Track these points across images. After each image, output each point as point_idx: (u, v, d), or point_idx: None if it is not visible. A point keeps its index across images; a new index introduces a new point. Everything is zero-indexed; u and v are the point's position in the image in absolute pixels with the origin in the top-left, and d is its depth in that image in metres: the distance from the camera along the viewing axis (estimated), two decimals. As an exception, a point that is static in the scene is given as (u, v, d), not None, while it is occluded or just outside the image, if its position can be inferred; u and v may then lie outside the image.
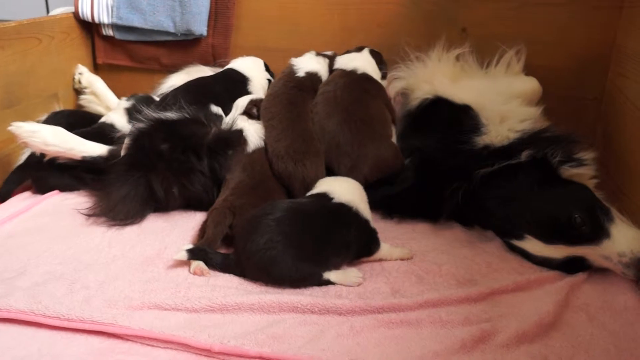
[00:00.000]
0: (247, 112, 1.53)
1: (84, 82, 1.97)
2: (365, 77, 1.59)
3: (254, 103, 1.55)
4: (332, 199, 1.25)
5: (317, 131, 1.48)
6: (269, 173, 1.42)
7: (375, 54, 1.67)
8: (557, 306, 1.08)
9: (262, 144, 1.47)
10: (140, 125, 1.44)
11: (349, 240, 1.20)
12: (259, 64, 1.79)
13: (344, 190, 1.28)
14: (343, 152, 1.43)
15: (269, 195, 1.36)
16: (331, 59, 1.68)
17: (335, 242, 1.19)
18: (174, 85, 1.77)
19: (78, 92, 2.00)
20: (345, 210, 1.23)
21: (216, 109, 1.56)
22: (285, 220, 1.16)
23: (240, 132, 1.47)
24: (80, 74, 1.98)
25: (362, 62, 1.63)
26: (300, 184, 1.39)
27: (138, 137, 1.42)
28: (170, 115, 1.46)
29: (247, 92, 1.67)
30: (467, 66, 1.66)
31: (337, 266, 1.19)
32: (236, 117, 1.52)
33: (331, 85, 1.55)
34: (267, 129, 1.48)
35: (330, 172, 1.44)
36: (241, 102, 1.56)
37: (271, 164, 1.43)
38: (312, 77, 1.61)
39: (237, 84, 1.69)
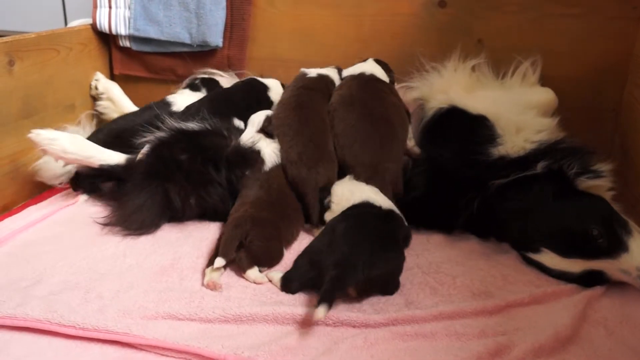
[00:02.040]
0: (264, 130, 1.52)
1: (101, 89, 1.99)
2: (375, 78, 1.62)
3: (269, 120, 1.54)
4: (380, 206, 1.30)
5: (340, 129, 1.48)
6: (285, 190, 1.42)
7: (379, 62, 1.69)
8: (574, 320, 1.06)
9: (279, 161, 1.46)
10: (161, 134, 1.45)
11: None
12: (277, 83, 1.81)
13: (379, 197, 1.34)
14: (365, 149, 1.43)
15: (285, 212, 1.36)
16: (339, 69, 1.71)
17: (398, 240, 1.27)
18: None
19: (95, 99, 2.01)
20: (395, 214, 1.32)
21: (238, 123, 1.57)
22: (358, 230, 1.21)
23: (257, 152, 1.46)
24: (96, 80, 2.00)
25: (368, 67, 1.66)
26: (313, 190, 1.39)
27: (158, 146, 1.43)
28: (192, 125, 1.47)
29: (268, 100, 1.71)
30: (482, 77, 1.66)
31: None
32: (254, 136, 1.51)
33: (344, 89, 1.58)
34: (279, 136, 1.49)
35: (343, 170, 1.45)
36: (257, 119, 1.55)
37: (284, 170, 1.44)
38: (324, 78, 1.63)
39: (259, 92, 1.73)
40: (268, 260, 1.27)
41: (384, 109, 1.51)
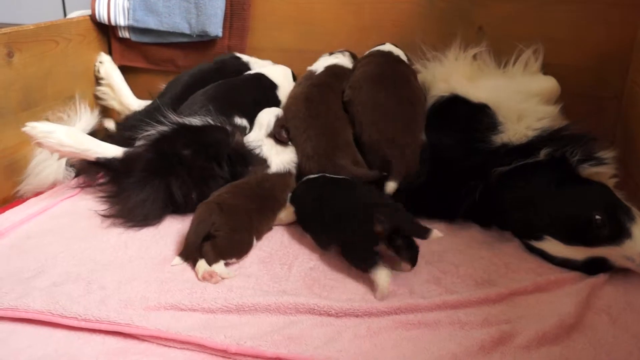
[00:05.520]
0: (275, 136, 1.48)
1: (102, 73, 1.97)
2: (402, 60, 1.63)
3: (281, 124, 1.50)
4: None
5: (366, 106, 1.47)
6: (276, 194, 1.39)
7: (397, 47, 1.69)
8: (578, 307, 1.06)
9: (285, 169, 1.44)
10: (163, 128, 1.44)
11: None
12: (288, 73, 1.78)
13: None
14: (391, 126, 1.42)
15: (265, 207, 1.35)
16: (351, 53, 1.72)
17: None
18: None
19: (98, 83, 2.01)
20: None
21: (240, 121, 1.54)
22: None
23: (264, 160, 1.44)
24: (100, 62, 1.99)
25: (393, 48, 1.66)
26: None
27: (159, 140, 1.43)
28: (195, 121, 1.46)
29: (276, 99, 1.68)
30: (484, 65, 1.64)
31: None
32: (262, 140, 1.48)
33: (372, 66, 1.57)
34: (291, 129, 1.50)
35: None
36: (265, 120, 1.51)
37: (300, 165, 1.45)
38: (332, 69, 1.63)
39: (267, 90, 1.70)
40: (234, 252, 1.24)
41: (410, 92, 1.50)
